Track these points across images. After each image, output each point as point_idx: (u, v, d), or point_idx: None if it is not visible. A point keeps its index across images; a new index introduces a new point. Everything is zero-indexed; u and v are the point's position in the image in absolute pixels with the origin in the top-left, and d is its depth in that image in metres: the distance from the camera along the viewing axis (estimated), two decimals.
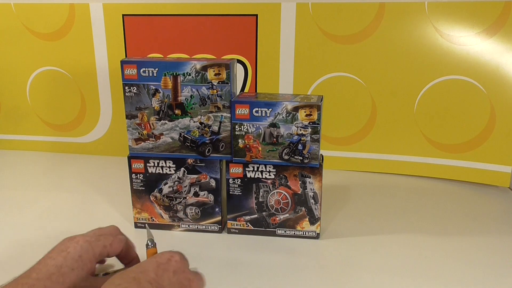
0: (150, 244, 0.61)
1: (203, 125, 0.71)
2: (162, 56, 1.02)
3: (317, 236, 0.73)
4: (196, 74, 0.68)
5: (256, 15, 0.97)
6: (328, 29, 0.95)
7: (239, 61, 1.00)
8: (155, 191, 0.74)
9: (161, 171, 0.73)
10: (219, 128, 0.70)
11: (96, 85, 1.08)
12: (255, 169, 0.71)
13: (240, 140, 0.70)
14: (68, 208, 0.85)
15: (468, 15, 0.89)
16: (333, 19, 0.95)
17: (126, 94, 0.70)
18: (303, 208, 0.72)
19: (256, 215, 0.73)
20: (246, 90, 1.02)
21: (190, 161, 0.72)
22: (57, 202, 0.87)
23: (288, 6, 0.96)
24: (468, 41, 0.90)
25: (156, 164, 0.73)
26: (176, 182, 0.73)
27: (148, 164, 0.73)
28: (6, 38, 1.09)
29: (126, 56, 1.04)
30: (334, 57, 0.97)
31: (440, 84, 0.93)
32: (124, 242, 0.58)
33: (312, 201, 0.71)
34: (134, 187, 0.75)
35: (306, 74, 0.99)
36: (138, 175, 0.74)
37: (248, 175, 0.71)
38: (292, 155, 0.69)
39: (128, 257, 0.59)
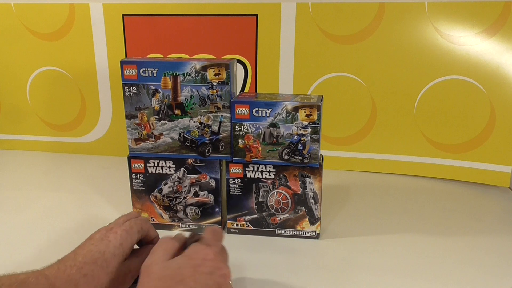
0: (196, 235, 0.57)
1: (203, 125, 0.71)
2: (162, 56, 1.02)
3: (317, 236, 0.73)
4: (196, 74, 0.68)
5: (256, 15, 0.97)
6: (328, 29, 0.95)
7: (239, 61, 1.00)
8: (155, 191, 0.74)
9: (161, 171, 0.73)
10: (219, 128, 0.70)
11: (96, 85, 1.08)
12: (255, 169, 0.71)
13: (240, 140, 0.70)
14: (68, 208, 0.85)
15: (468, 15, 0.89)
16: (333, 19, 0.95)
17: (126, 94, 0.70)
18: (303, 208, 0.72)
19: (256, 215, 0.73)
20: (246, 90, 1.02)
21: (190, 161, 0.72)
22: (57, 202, 0.87)
23: (288, 6, 0.96)
24: (468, 41, 0.90)
25: (156, 164, 0.73)
26: (176, 182, 0.73)
27: (148, 164, 0.73)
28: (6, 38, 1.09)
29: (126, 56, 1.04)
30: (334, 57, 0.97)
31: (440, 84, 0.93)
32: (148, 222, 0.61)
33: (312, 201, 0.71)
34: (134, 187, 0.75)
35: (306, 74, 0.99)
36: (138, 175, 0.74)
37: (248, 175, 0.71)
38: (292, 155, 0.69)
39: (149, 236, 0.61)
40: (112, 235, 0.55)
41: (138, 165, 0.73)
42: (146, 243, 0.62)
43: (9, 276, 0.49)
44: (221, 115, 0.70)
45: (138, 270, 0.53)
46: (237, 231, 0.74)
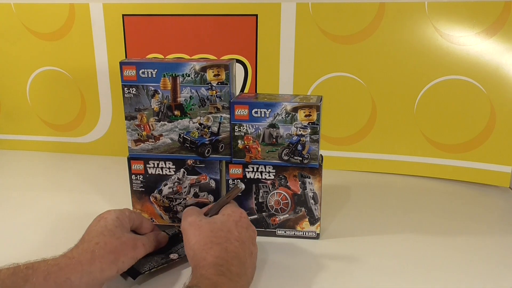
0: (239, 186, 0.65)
1: (202, 126, 0.71)
2: (162, 56, 1.02)
3: (317, 236, 0.73)
4: (195, 75, 0.68)
5: (256, 15, 0.97)
6: (328, 29, 0.95)
7: (239, 61, 1.00)
8: (155, 192, 0.75)
9: (160, 172, 0.73)
10: (219, 129, 0.71)
11: (96, 85, 1.08)
12: (255, 169, 0.71)
13: (239, 141, 0.70)
14: (68, 208, 0.85)
15: (468, 15, 0.89)
16: (333, 19, 0.95)
17: (125, 95, 0.70)
18: (303, 209, 0.72)
19: (256, 216, 0.73)
20: (246, 90, 1.02)
21: (189, 162, 0.72)
22: (57, 202, 0.87)
23: (288, 6, 0.95)
24: (468, 41, 0.90)
25: (155, 165, 0.73)
26: (176, 183, 0.74)
27: (147, 165, 0.73)
28: (6, 38, 1.09)
29: (126, 56, 1.04)
30: (334, 57, 0.97)
31: (440, 84, 0.93)
32: (141, 215, 0.67)
33: (312, 201, 0.71)
34: (134, 188, 0.75)
35: (306, 74, 0.99)
36: (138, 176, 0.74)
37: (248, 176, 0.71)
38: (292, 156, 0.69)
39: (146, 228, 0.67)
40: (106, 214, 0.61)
41: (138, 166, 0.74)
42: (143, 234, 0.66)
43: (28, 262, 0.54)
44: (221, 116, 0.70)
45: (147, 243, 0.62)
46: None
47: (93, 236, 0.57)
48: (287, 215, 0.73)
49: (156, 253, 0.65)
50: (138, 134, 0.72)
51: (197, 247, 0.56)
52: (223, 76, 0.68)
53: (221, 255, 0.54)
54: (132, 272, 0.60)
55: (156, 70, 0.68)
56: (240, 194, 0.71)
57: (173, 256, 0.65)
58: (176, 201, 0.75)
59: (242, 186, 0.65)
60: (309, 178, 0.70)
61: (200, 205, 0.73)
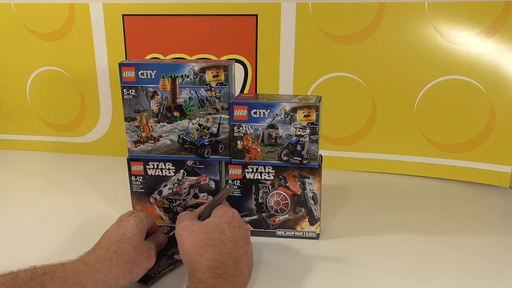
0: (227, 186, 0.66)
1: (202, 127, 0.71)
2: (163, 56, 1.02)
3: (317, 237, 0.73)
4: (195, 76, 0.68)
5: (256, 15, 0.97)
6: (328, 29, 0.95)
7: (239, 62, 1.00)
8: (155, 193, 0.75)
9: (160, 173, 0.73)
10: (218, 129, 0.71)
11: (96, 85, 1.08)
12: (254, 170, 0.71)
13: (239, 142, 0.70)
14: (68, 208, 0.85)
15: (468, 15, 0.89)
16: (333, 19, 0.95)
17: (125, 96, 0.70)
18: (303, 209, 0.72)
19: (255, 216, 0.73)
20: (246, 90, 1.02)
21: (189, 163, 0.72)
22: (57, 202, 0.87)
23: (288, 6, 0.95)
24: (468, 41, 0.90)
25: (155, 166, 0.73)
26: (176, 184, 0.74)
27: (147, 166, 0.73)
28: (6, 38, 1.09)
29: (126, 56, 1.04)
30: (334, 57, 0.97)
31: (440, 84, 0.93)
32: (152, 218, 0.68)
33: (311, 201, 0.71)
34: (134, 189, 0.75)
35: (306, 74, 0.99)
36: (138, 177, 0.74)
37: (247, 176, 0.72)
38: (291, 156, 0.69)
39: (153, 229, 0.67)
40: (125, 222, 0.61)
41: (137, 167, 0.74)
42: (149, 234, 0.67)
43: (46, 265, 0.54)
44: (220, 117, 0.70)
45: (156, 250, 0.62)
46: None
47: (112, 243, 0.58)
48: (287, 216, 0.73)
49: (159, 255, 0.65)
50: (137, 135, 0.72)
51: (192, 251, 0.56)
52: (222, 77, 0.68)
53: (216, 258, 0.55)
54: (143, 278, 0.60)
55: (155, 71, 0.68)
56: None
57: (177, 257, 0.66)
58: (176, 202, 0.75)
59: (232, 186, 0.67)
60: (309, 178, 0.70)
61: (200, 205, 0.74)
